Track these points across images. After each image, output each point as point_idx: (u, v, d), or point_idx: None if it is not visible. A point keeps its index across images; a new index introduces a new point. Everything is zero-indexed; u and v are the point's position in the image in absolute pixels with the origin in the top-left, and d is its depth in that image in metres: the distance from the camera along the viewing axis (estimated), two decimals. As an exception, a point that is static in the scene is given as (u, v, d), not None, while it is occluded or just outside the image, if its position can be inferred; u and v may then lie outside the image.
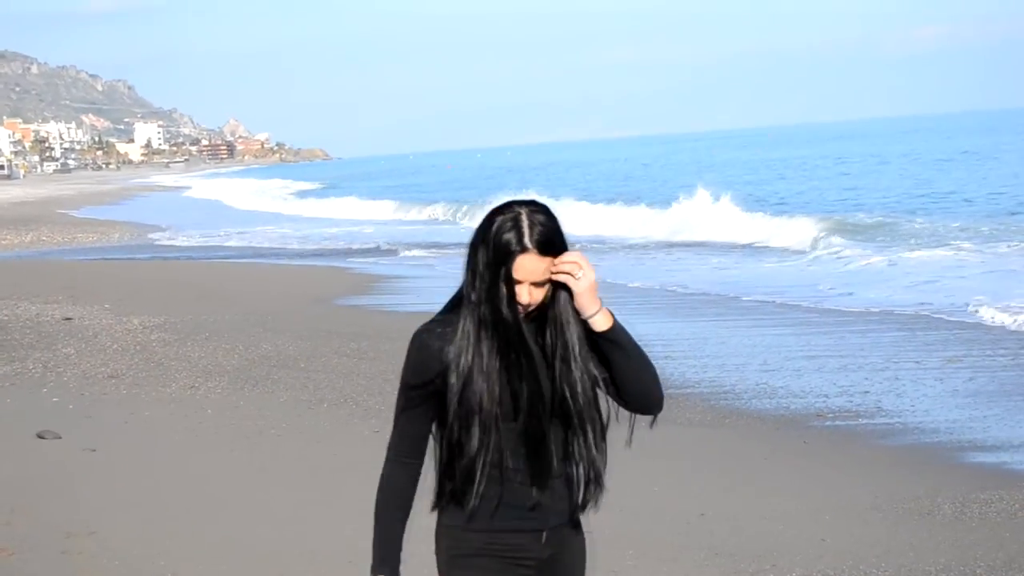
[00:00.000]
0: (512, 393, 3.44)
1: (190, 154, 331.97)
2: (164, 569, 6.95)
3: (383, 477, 3.61)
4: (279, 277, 26.34)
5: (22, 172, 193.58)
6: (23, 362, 13.92)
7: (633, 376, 3.51)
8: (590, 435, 3.52)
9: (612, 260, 27.62)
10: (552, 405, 3.48)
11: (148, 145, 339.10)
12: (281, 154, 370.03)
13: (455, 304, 3.53)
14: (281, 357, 14.17)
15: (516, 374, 3.44)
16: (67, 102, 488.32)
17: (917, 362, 13.45)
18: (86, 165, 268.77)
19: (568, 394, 3.48)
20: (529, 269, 3.42)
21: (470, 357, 3.44)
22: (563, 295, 3.48)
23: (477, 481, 3.46)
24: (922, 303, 18.18)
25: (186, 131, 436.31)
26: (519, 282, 3.43)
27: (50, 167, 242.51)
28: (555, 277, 3.45)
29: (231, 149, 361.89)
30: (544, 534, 3.54)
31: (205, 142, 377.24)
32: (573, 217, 34.36)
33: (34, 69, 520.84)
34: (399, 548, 3.60)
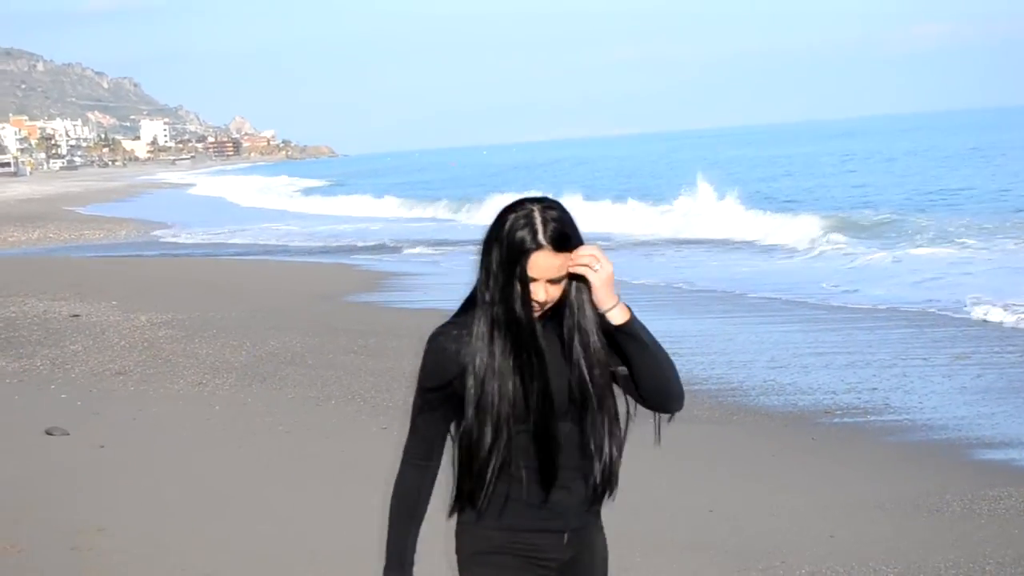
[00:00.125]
0: (524, 393, 3.42)
1: (196, 151, 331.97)
2: (172, 565, 6.96)
3: (398, 479, 3.57)
4: (286, 274, 26.35)
5: (28, 169, 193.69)
6: (31, 359, 13.94)
7: (651, 371, 3.48)
8: (606, 422, 3.49)
9: (618, 257, 27.58)
10: (570, 394, 3.45)
11: (154, 142, 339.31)
12: (287, 151, 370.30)
13: (469, 305, 3.49)
14: (289, 354, 14.17)
15: (528, 374, 3.41)
16: (73, 99, 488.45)
17: (925, 359, 13.43)
18: (92, 162, 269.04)
19: (587, 376, 3.44)
20: (544, 266, 3.39)
21: (485, 358, 3.41)
22: (579, 285, 3.45)
23: (493, 481, 3.43)
24: (929, 300, 18.16)
25: (192, 128, 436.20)
26: (534, 280, 3.40)
27: (56, 164, 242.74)
28: (573, 270, 3.43)
29: (237, 146, 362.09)
30: (565, 535, 3.51)
31: (211, 139, 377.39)
32: (578, 215, 34.23)
33: (40, 66, 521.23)
34: (413, 551, 3.56)
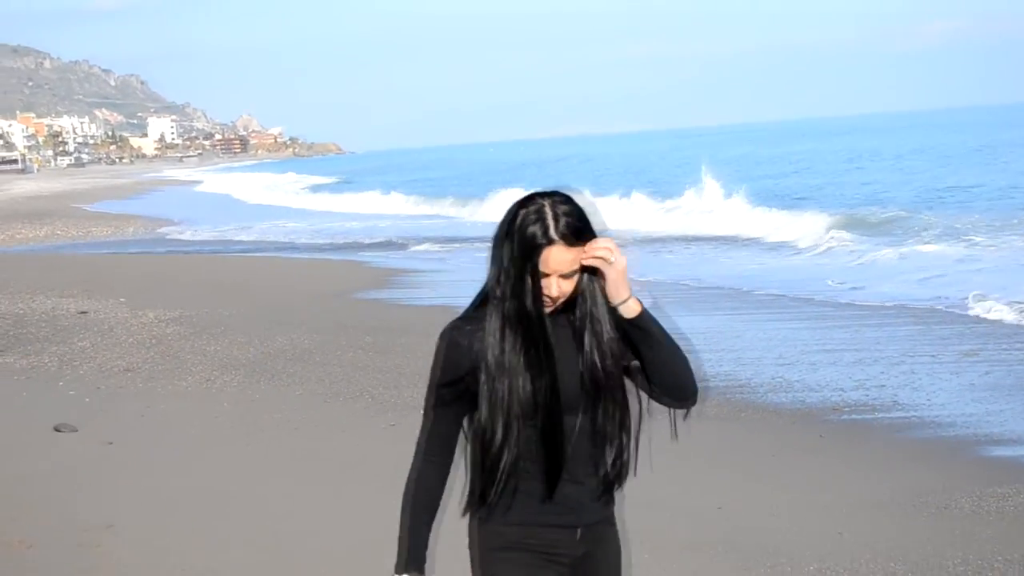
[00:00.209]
0: (533, 389, 3.41)
1: (204, 148, 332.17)
2: (180, 561, 6.97)
3: (411, 475, 3.55)
4: (294, 271, 26.35)
5: (36, 166, 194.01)
6: (39, 356, 13.96)
7: (664, 366, 3.47)
8: (618, 412, 3.48)
9: (625, 254, 27.52)
10: (581, 383, 3.44)
11: (162, 139, 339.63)
12: (294, 148, 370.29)
13: (483, 299, 3.48)
14: (297, 351, 14.18)
15: (537, 369, 3.40)
16: (80, 97, 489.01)
17: (933, 356, 13.42)
18: (100, 159, 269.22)
19: (599, 364, 3.43)
20: (557, 261, 3.38)
21: (497, 353, 3.40)
22: (593, 276, 3.44)
23: (506, 477, 3.43)
24: (937, 296, 18.14)
25: (199, 125, 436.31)
26: (547, 275, 3.39)
27: (64, 161, 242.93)
28: (587, 262, 3.41)
29: (244, 143, 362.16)
30: (579, 531, 3.50)
31: (218, 136, 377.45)
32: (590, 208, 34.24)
33: (47, 64, 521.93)
34: (425, 547, 3.55)
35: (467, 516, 3.55)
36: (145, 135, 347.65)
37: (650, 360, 3.47)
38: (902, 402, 11.26)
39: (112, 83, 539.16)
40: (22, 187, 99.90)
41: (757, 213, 35.79)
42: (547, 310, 3.44)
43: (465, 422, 3.51)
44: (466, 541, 3.57)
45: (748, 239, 31.25)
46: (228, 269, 26.22)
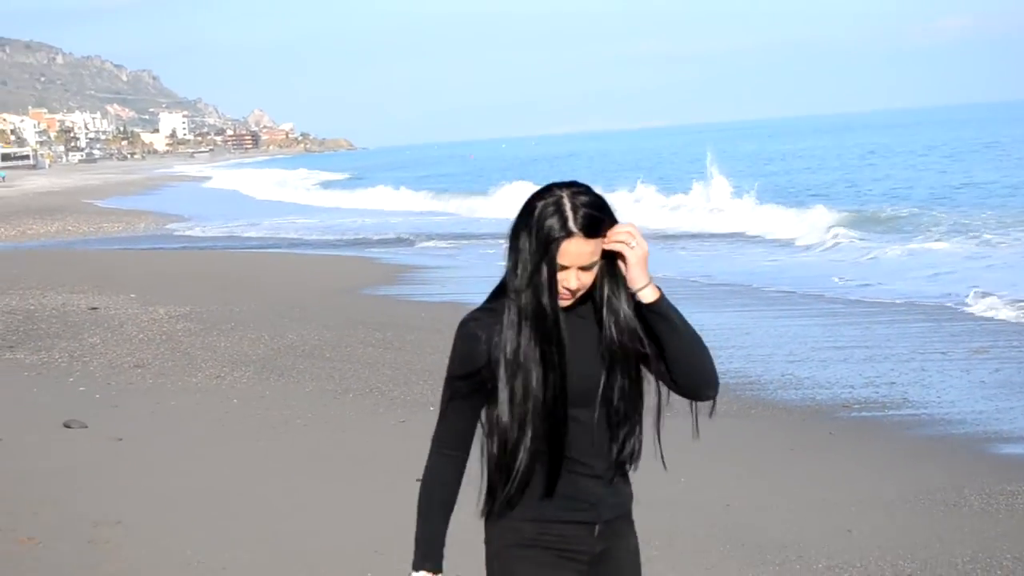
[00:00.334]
0: (544, 385, 3.38)
1: (215, 144, 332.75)
2: (189, 558, 6.97)
3: (427, 470, 3.51)
4: (304, 267, 26.38)
5: (48, 162, 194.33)
6: (49, 352, 13.98)
7: (683, 353, 3.42)
8: (632, 389, 3.43)
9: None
10: (603, 361, 3.40)
11: (173, 135, 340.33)
12: (306, 144, 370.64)
13: (501, 290, 3.43)
14: (307, 347, 14.19)
15: (549, 364, 3.37)
16: (92, 92, 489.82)
17: (943, 353, 13.39)
18: (111, 155, 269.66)
19: (616, 339, 3.39)
20: (575, 254, 3.33)
21: (514, 347, 3.36)
22: (611, 263, 3.40)
23: (522, 473, 3.39)
24: (947, 293, 18.10)
25: (211, 121, 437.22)
26: (565, 268, 3.35)
27: (75, 157, 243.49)
28: (608, 247, 3.37)
29: (256, 139, 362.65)
30: (596, 527, 3.46)
31: (230, 132, 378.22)
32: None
33: (59, 59, 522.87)
34: (442, 543, 3.50)
35: (480, 513, 3.52)
36: (157, 131, 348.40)
37: (670, 348, 3.42)
38: (912, 399, 11.24)
39: (124, 79, 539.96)
40: (33, 183, 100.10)
41: (766, 210, 35.71)
42: (566, 302, 3.40)
43: (482, 415, 3.47)
44: (482, 537, 3.54)
45: (758, 236, 31.22)
46: (238, 265, 26.25)
